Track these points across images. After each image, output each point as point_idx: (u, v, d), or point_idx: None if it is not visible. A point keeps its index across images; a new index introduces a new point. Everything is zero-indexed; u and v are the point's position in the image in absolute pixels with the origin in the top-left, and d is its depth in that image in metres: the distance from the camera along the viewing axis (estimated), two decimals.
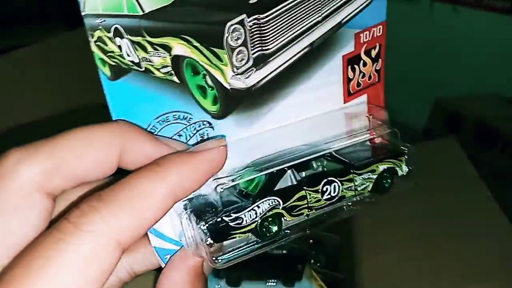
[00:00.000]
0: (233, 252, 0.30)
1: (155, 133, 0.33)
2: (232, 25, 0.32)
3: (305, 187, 0.32)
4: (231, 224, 0.29)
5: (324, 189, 0.32)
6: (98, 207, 0.24)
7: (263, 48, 0.34)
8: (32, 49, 0.73)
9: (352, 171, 0.33)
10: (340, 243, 0.80)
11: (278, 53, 0.35)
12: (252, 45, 0.34)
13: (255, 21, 0.33)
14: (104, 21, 0.28)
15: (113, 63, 0.30)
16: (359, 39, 0.38)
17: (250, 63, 0.34)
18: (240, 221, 0.30)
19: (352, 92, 0.40)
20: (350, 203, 0.34)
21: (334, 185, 0.33)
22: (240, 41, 0.33)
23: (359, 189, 0.34)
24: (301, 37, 0.35)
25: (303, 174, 0.34)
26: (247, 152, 0.36)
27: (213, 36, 0.32)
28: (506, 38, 1.18)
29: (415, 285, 0.69)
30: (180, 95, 0.33)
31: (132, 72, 0.31)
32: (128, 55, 0.30)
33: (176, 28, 0.30)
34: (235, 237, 0.30)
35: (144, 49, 0.30)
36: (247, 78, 0.34)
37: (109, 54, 0.30)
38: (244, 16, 0.32)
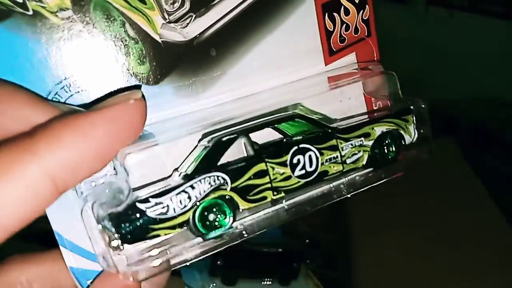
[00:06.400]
0: (156, 258, 0.20)
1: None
2: None
3: (266, 158, 0.22)
4: (149, 214, 0.20)
5: (295, 160, 0.22)
6: None
7: None
8: None
9: (335, 135, 0.23)
10: (336, 243, 0.80)
11: None
12: None
13: None
14: None
15: None
16: None
17: (187, 6, 0.26)
18: (164, 210, 0.20)
19: (334, 49, 0.30)
20: (342, 185, 0.24)
21: (310, 155, 0.23)
22: None
23: (348, 161, 0.23)
24: None
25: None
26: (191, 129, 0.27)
27: None
28: (500, 42, 1.23)
29: (411, 283, 0.69)
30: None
31: (15, 17, 0.23)
32: None
33: None
34: (158, 235, 0.20)
35: None
36: (184, 27, 0.26)
37: None
38: None
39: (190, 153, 0.25)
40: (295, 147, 0.22)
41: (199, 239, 0.21)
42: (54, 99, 0.24)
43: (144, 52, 0.25)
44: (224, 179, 0.21)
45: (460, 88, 1.31)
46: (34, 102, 0.21)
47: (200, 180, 0.20)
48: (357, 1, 0.30)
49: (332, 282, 0.72)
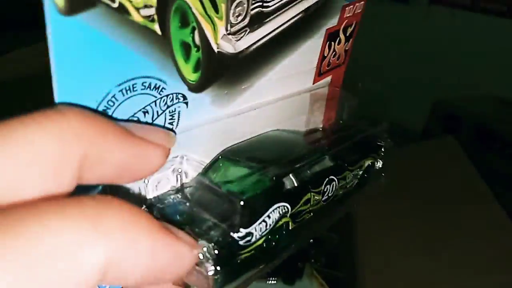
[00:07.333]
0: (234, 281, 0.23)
1: (114, 106, 0.21)
2: None
3: (311, 189, 0.26)
4: (241, 243, 0.22)
5: (325, 189, 0.27)
6: None
7: (264, 4, 0.26)
8: None
9: (347, 167, 0.29)
10: (340, 242, 0.77)
11: (275, 15, 0.27)
12: None
13: None
14: None
15: None
16: (344, 13, 0.33)
17: (246, 21, 0.25)
18: (250, 238, 0.22)
19: (322, 72, 0.35)
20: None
21: (333, 184, 0.28)
22: None
23: (347, 186, 0.30)
24: (297, 0, 0.28)
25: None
26: (221, 136, 0.28)
27: None
28: (502, 41, 1.16)
29: (414, 282, 0.69)
30: (158, 53, 0.22)
31: (100, 7, 0.18)
32: None
33: None
34: (241, 259, 0.22)
35: None
36: (238, 40, 0.26)
37: None
38: None
39: (212, 163, 0.27)
40: (327, 178, 0.27)
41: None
42: (109, 102, 0.21)
43: (200, 61, 0.24)
44: (288, 208, 0.24)
45: (462, 86, 1.26)
46: (122, 135, 0.19)
47: (273, 210, 0.23)
48: (347, 34, 0.35)
49: (336, 282, 0.70)
